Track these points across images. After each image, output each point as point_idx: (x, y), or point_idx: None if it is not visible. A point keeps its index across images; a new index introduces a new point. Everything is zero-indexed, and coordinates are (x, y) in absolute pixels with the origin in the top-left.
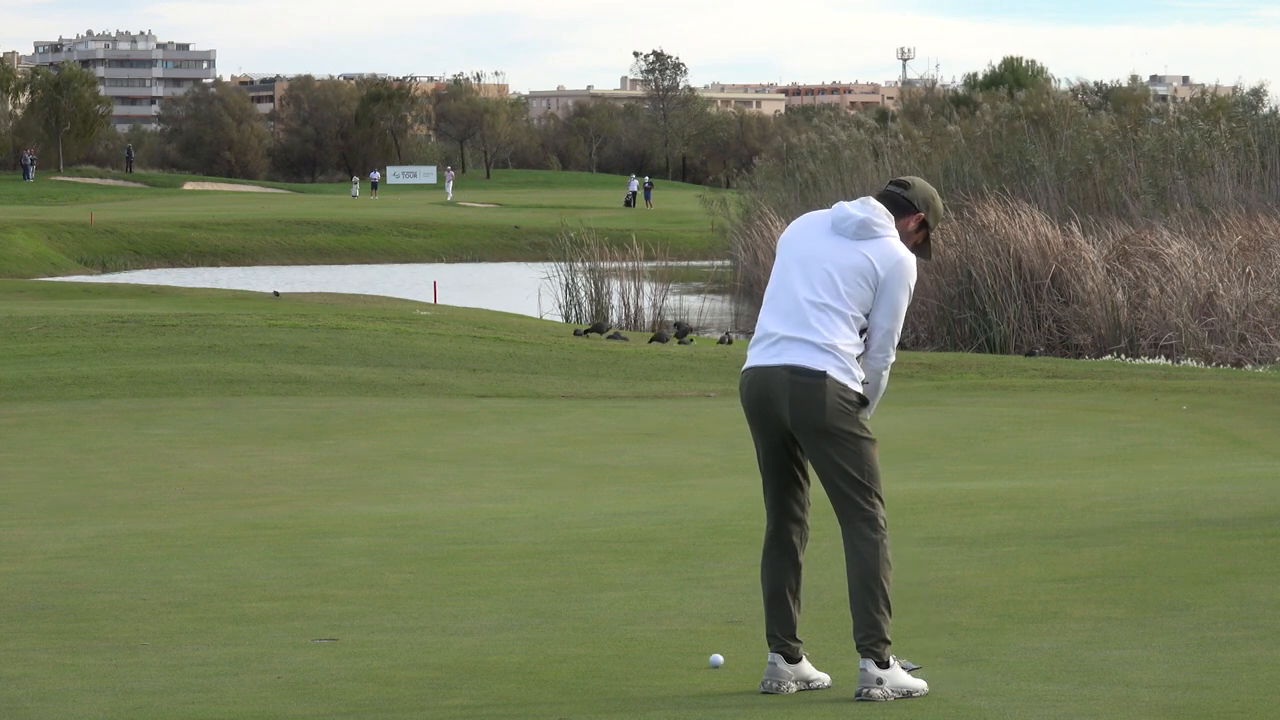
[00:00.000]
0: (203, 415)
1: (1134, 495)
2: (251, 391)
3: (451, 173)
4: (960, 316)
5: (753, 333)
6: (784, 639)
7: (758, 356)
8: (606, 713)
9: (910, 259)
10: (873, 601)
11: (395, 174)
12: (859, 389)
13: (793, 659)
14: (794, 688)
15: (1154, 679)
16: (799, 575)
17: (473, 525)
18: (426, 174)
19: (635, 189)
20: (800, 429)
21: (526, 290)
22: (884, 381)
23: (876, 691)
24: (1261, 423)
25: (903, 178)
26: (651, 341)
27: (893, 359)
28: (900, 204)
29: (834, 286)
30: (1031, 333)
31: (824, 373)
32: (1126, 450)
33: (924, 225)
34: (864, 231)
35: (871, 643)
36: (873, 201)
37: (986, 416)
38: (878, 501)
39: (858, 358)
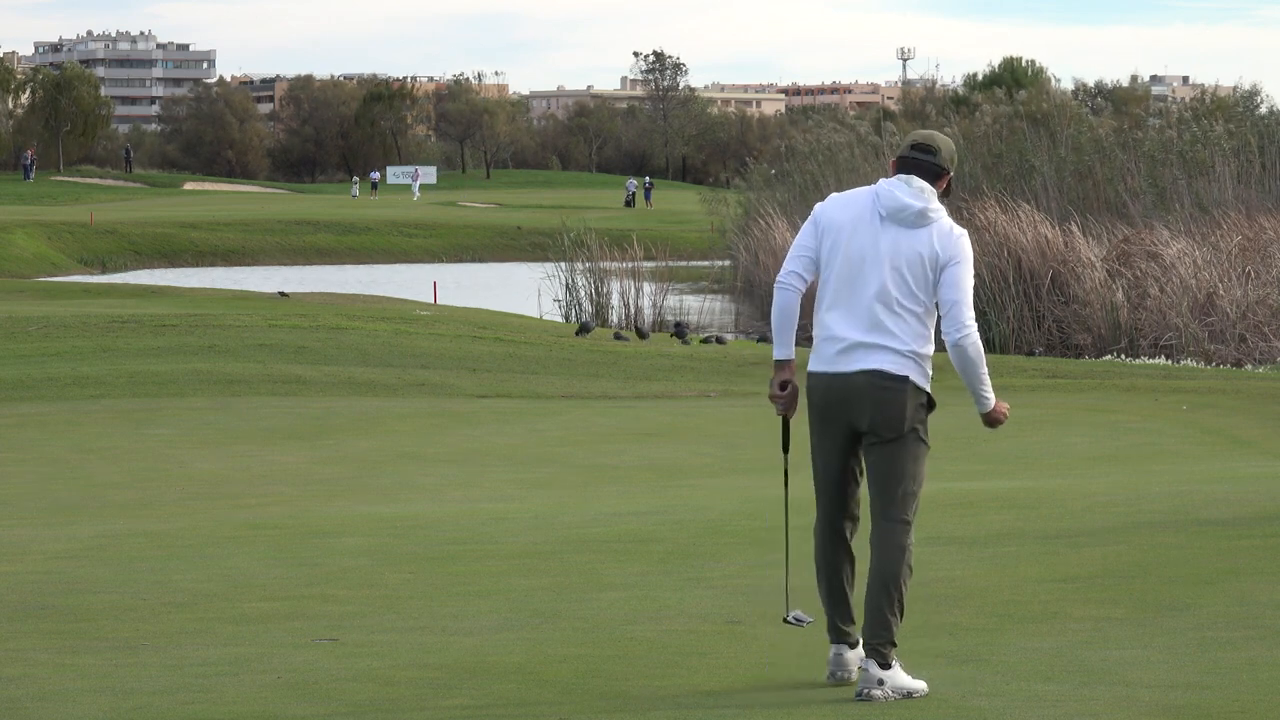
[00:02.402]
0: (203, 415)
1: (1134, 495)
2: (251, 391)
3: (419, 172)
4: None
5: (754, 332)
6: (848, 629)
7: (831, 362)
8: (606, 713)
9: (964, 234)
10: (888, 603)
11: (395, 174)
12: (929, 389)
13: (854, 646)
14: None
15: (1154, 679)
16: (853, 565)
17: (473, 525)
18: (426, 174)
19: (633, 190)
20: (879, 432)
21: (526, 290)
22: (978, 353)
23: (877, 692)
24: (1261, 423)
25: (924, 140)
26: (615, 338)
27: (973, 327)
28: (934, 171)
29: (905, 284)
30: (1031, 333)
31: (907, 378)
32: (1126, 450)
33: (949, 183)
34: (923, 220)
35: (879, 643)
36: (918, 182)
37: None
38: (916, 509)
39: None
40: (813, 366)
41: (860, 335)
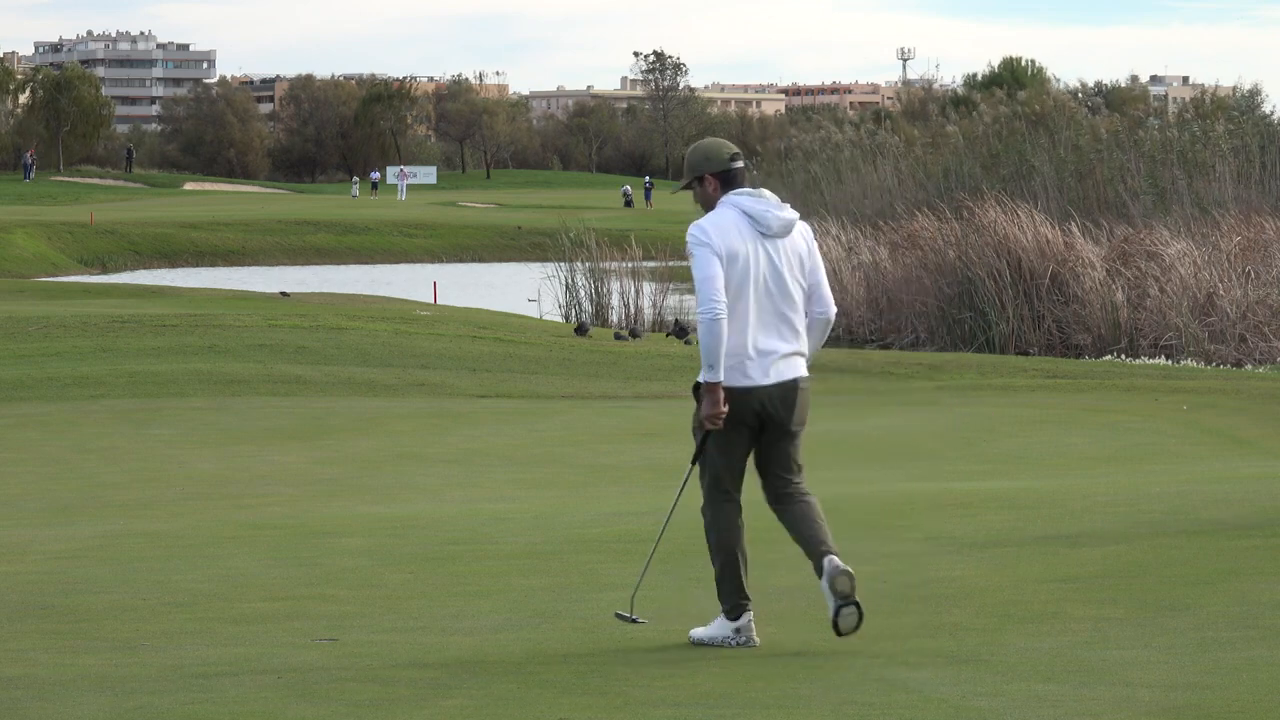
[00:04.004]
0: (203, 415)
1: (1134, 495)
2: (251, 391)
3: (405, 172)
4: (960, 317)
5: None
6: (748, 598)
7: (764, 375)
8: (606, 712)
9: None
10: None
11: (396, 174)
12: None
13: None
14: None
15: (1154, 679)
16: None
17: (473, 525)
18: (426, 174)
19: (629, 192)
20: (797, 427)
21: (526, 290)
22: None
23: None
24: (1261, 423)
25: (733, 149)
26: (616, 338)
27: None
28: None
29: (800, 289)
30: (1031, 333)
31: (810, 375)
32: (1126, 450)
33: None
34: (793, 226)
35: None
36: (767, 192)
37: (986, 416)
38: None
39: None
40: (744, 381)
41: (785, 346)
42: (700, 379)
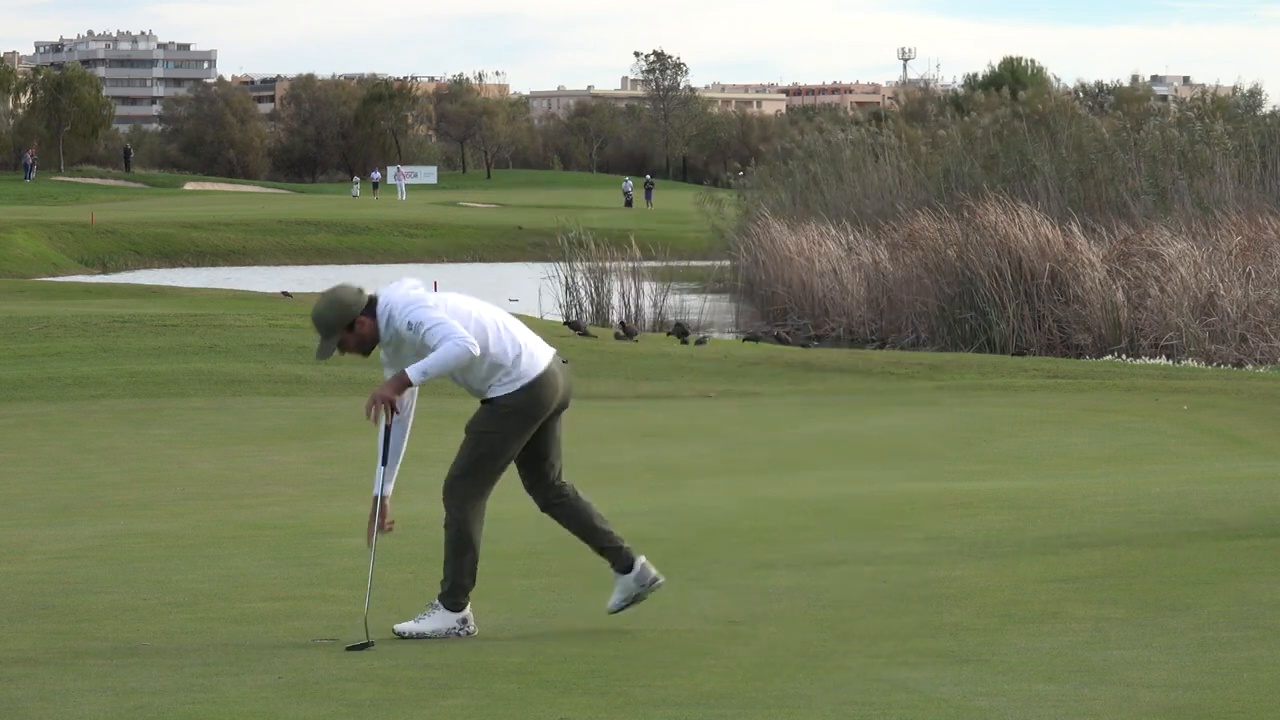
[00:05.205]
0: (203, 415)
1: (1134, 495)
2: (251, 391)
3: (403, 171)
4: (960, 316)
5: (745, 332)
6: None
7: (553, 362)
8: (606, 712)
9: None
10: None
11: (393, 174)
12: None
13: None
14: None
15: (1154, 679)
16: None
17: None
18: (427, 174)
19: (629, 189)
20: (564, 409)
21: (527, 290)
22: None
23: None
24: (1262, 423)
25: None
26: (615, 338)
27: None
28: None
29: None
30: (1031, 333)
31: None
32: (1127, 450)
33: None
34: None
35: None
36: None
37: (986, 416)
38: None
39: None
40: (545, 363)
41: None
42: (410, 374)
